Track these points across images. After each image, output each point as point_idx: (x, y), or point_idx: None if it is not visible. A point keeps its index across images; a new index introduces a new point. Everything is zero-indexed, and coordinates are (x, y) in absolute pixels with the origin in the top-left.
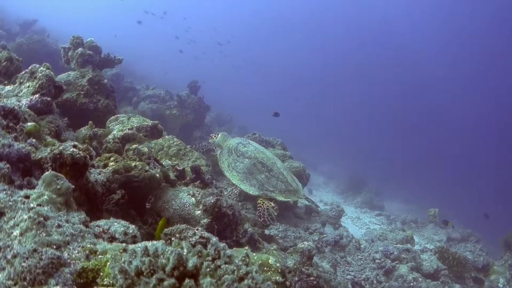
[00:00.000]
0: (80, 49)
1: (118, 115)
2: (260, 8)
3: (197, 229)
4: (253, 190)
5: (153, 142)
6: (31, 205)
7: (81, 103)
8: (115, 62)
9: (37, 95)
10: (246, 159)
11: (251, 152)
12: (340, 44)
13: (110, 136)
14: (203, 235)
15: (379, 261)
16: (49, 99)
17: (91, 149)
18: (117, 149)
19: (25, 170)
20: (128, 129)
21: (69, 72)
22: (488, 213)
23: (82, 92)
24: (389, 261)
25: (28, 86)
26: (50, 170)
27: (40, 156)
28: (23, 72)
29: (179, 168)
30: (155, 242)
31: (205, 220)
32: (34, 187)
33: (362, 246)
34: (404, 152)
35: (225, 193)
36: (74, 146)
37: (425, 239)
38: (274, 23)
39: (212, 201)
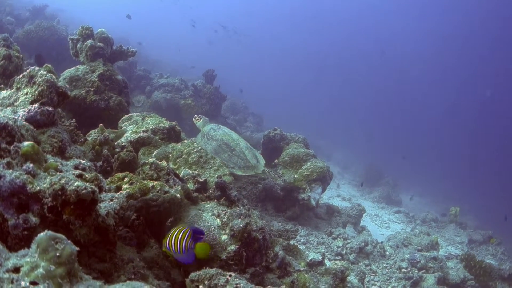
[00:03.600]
0: (89, 41)
1: (132, 114)
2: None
3: (230, 275)
4: None
5: (170, 147)
6: (22, 284)
7: (91, 101)
8: (128, 54)
9: (36, 105)
10: (214, 142)
11: (219, 135)
12: (361, 36)
13: (123, 139)
14: (238, 285)
15: (405, 270)
16: (50, 109)
17: (101, 178)
18: (131, 158)
19: (20, 204)
20: (143, 131)
21: (78, 66)
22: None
23: (92, 89)
24: (416, 271)
25: (26, 93)
26: (50, 205)
27: (38, 188)
28: (21, 75)
29: (200, 180)
30: None
31: (233, 247)
32: (32, 227)
33: (387, 252)
34: (417, 142)
35: (244, 192)
36: (79, 177)
37: (446, 240)
38: (293, 15)
39: (241, 225)
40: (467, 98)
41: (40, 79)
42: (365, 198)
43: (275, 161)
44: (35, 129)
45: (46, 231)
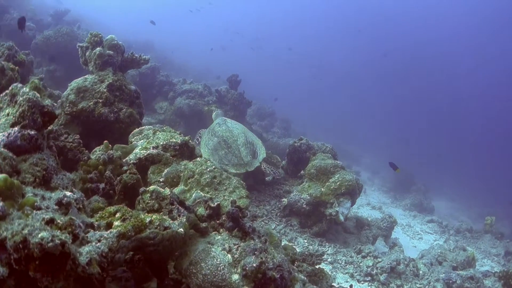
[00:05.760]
0: (98, 48)
1: (143, 127)
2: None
3: None
4: (214, 164)
5: (182, 164)
6: None
7: (100, 114)
8: (141, 62)
9: (16, 128)
10: (215, 138)
11: (220, 132)
12: (389, 37)
13: (131, 156)
14: None
15: None
16: (32, 132)
17: (77, 223)
18: (135, 182)
19: None
20: (153, 147)
21: (86, 76)
22: None
23: (100, 100)
24: None
25: (8, 114)
26: (15, 257)
27: (4, 234)
28: (3, 93)
29: (212, 205)
30: None
31: None
32: None
33: (420, 271)
34: (448, 146)
35: (268, 207)
36: (50, 222)
37: (482, 252)
38: (320, 18)
39: (255, 264)
40: (501, 103)
41: (21, 98)
42: (396, 206)
43: (301, 172)
44: (14, 156)
45: None
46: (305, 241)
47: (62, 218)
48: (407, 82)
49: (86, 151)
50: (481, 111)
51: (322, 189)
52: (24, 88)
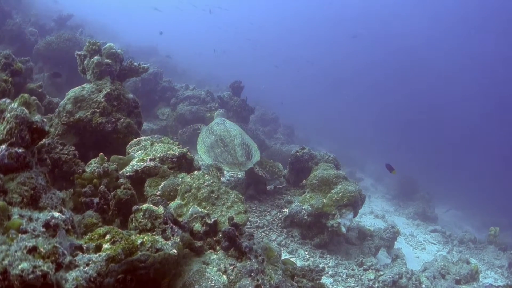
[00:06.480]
0: (96, 57)
1: (141, 138)
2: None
3: None
4: (209, 160)
5: (180, 178)
6: None
7: (97, 124)
8: (140, 70)
9: (3, 146)
10: (213, 136)
11: (219, 131)
12: (390, 41)
13: (128, 168)
14: None
15: None
16: (20, 150)
17: (61, 251)
18: (129, 197)
19: None
20: (150, 159)
21: (84, 85)
22: None
23: (98, 110)
24: None
25: None
26: None
27: None
28: None
29: (209, 222)
30: None
31: None
32: None
33: (423, 285)
34: (451, 153)
35: (269, 217)
36: (32, 251)
37: (486, 264)
38: (320, 23)
39: (251, 287)
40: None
41: (9, 115)
42: (399, 214)
43: (303, 181)
44: (1, 176)
45: None
46: (306, 253)
47: (45, 245)
48: (411, 86)
49: (82, 163)
50: (486, 117)
51: (324, 200)
52: (12, 104)
